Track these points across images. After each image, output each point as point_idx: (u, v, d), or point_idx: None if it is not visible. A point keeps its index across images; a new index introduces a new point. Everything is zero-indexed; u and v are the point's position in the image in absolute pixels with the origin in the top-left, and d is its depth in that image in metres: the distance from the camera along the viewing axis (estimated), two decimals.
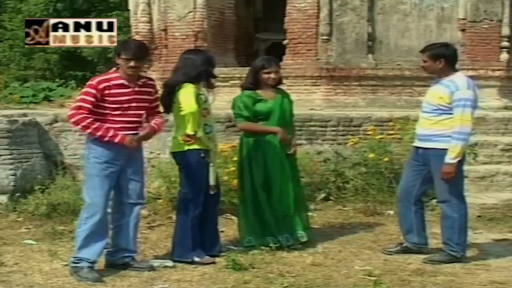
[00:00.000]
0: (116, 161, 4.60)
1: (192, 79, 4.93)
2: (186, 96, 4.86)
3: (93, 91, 4.51)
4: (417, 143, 5.17)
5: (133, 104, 4.58)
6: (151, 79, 4.84)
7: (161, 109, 4.91)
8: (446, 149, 4.91)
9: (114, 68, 4.63)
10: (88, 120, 4.49)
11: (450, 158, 4.88)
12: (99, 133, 4.51)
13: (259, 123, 5.35)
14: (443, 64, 4.99)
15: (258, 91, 5.36)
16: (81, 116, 4.49)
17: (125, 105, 4.56)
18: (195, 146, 4.90)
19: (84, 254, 4.57)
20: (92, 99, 4.50)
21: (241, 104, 5.33)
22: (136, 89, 4.60)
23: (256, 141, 5.34)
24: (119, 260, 4.76)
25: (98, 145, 4.57)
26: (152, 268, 4.73)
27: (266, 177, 5.31)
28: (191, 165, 4.95)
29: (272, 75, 5.37)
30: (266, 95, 5.37)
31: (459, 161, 4.94)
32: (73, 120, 4.53)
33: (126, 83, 4.56)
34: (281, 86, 5.54)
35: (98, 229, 4.58)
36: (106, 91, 4.51)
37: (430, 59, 5.03)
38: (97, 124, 4.50)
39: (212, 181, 4.93)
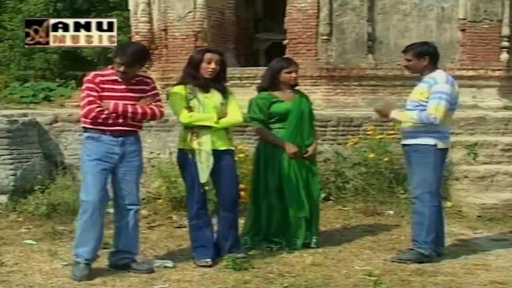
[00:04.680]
0: (108, 159, 4.62)
1: (180, 80, 5.00)
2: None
3: (92, 85, 4.59)
4: (402, 141, 5.23)
5: (126, 102, 4.60)
6: (147, 77, 4.88)
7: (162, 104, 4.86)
8: (426, 144, 4.96)
9: (110, 66, 4.73)
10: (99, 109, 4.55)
11: (397, 115, 5.05)
12: (113, 112, 4.54)
13: (276, 125, 5.27)
14: (428, 61, 5.06)
15: (275, 93, 5.29)
16: (96, 108, 4.53)
17: (119, 101, 4.59)
18: (180, 146, 4.95)
19: (80, 250, 4.62)
20: (95, 93, 4.57)
21: (256, 107, 5.28)
22: (130, 86, 4.65)
23: (272, 146, 5.28)
24: (119, 261, 4.77)
25: (90, 143, 4.63)
26: (151, 271, 4.72)
27: (279, 182, 5.26)
28: (178, 163, 5.04)
29: (293, 74, 5.31)
30: (283, 96, 5.29)
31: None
32: (91, 115, 4.54)
33: (119, 79, 4.63)
34: None
35: (90, 226, 4.59)
36: (101, 85, 4.59)
37: (414, 58, 5.09)
38: (106, 110, 4.55)
39: (202, 180, 4.85)
